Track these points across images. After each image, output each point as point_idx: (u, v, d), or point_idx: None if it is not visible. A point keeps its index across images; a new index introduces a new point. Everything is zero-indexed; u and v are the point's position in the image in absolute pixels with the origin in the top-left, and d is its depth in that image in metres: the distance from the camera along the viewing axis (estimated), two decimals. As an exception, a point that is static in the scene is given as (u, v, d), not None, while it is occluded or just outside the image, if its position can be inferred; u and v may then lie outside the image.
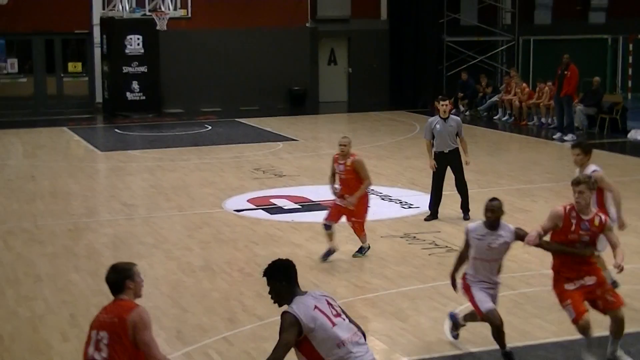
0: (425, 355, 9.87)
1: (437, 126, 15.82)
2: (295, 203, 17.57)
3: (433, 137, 15.91)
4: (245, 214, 16.83)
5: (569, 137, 25.24)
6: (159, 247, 14.51)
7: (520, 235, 9.51)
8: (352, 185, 13.26)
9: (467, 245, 9.67)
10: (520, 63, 35.52)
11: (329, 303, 6.89)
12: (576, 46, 33.50)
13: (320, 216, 16.35)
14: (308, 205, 17.41)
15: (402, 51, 34.74)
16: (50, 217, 16.80)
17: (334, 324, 6.78)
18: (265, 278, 6.92)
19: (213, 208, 17.38)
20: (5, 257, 14.04)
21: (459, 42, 34.82)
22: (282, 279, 6.88)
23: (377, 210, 16.90)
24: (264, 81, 33.68)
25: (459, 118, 16.27)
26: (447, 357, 9.85)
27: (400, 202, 17.54)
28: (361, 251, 13.65)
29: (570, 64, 25.40)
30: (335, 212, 13.47)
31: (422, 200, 17.49)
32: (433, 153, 15.95)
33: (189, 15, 32.25)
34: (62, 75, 33.40)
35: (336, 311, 6.90)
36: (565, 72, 25.37)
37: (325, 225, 13.49)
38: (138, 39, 31.62)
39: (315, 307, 6.77)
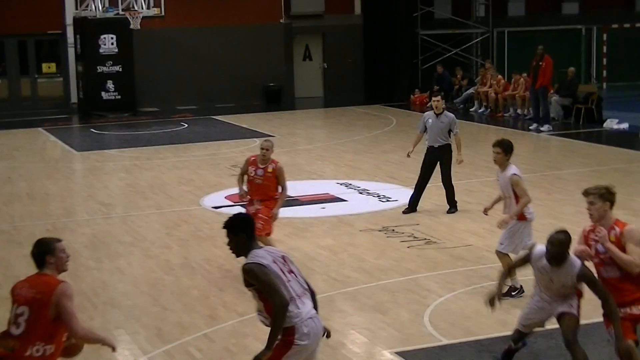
0: (407, 347, 9.88)
1: (430, 121, 15.98)
2: (274, 199, 17.52)
3: (426, 131, 16.00)
4: (224, 211, 16.80)
5: (545, 127, 25.34)
6: (137, 246, 14.47)
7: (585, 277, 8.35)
8: (267, 192, 12.60)
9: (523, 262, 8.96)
10: (495, 55, 35.65)
11: (284, 259, 7.32)
12: (550, 37, 33.68)
13: (299, 211, 16.45)
14: (286, 201, 17.33)
15: (376, 46, 34.75)
16: (29, 218, 16.72)
17: (288, 280, 7.19)
18: (225, 230, 7.29)
19: (191, 206, 17.35)
20: (-18, 259, 13.96)
21: (433, 35, 34.88)
22: (242, 231, 7.25)
23: (355, 204, 16.96)
24: (240, 78, 33.64)
25: (452, 115, 16.28)
26: (428, 349, 9.86)
27: (379, 196, 17.56)
28: None
29: (545, 55, 25.48)
30: None
31: (400, 194, 17.53)
32: (427, 147, 16.10)
33: (163, 14, 32.09)
34: (36, 76, 33.26)
35: (289, 267, 7.31)
36: (540, 63, 25.45)
37: None
38: (112, 38, 31.51)
39: (273, 260, 7.20)
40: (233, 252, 7.35)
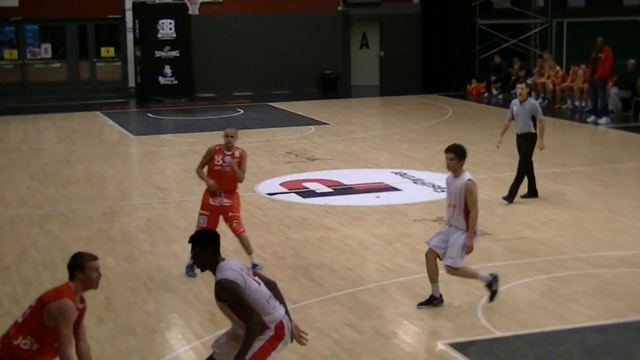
0: (460, 338, 9.86)
1: (514, 108, 16.14)
2: (328, 187, 17.58)
3: (514, 119, 16.22)
4: (278, 198, 16.86)
5: (603, 120, 25.08)
6: (192, 231, 14.44)
7: None
8: (231, 181, 12.22)
9: None
10: (554, 46, 35.26)
11: (246, 267, 7.58)
12: (610, 28, 33.18)
13: (354, 200, 16.45)
14: (340, 189, 17.41)
15: (434, 35, 34.60)
16: (85, 201, 16.91)
17: (258, 283, 7.45)
18: (192, 244, 7.48)
19: (246, 192, 17.37)
20: (41, 241, 14.14)
21: (492, 25, 34.60)
22: (207, 245, 7.42)
23: (410, 194, 16.93)
24: (296, 65, 33.68)
25: (535, 102, 16.32)
26: (481, 341, 9.82)
27: (433, 186, 17.49)
28: (256, 267, 11.90)
29: (604, 46, 25.20)
30: (213, 218, 12.21)
31: (455, 184, 17.44)
32: (515, 135, 16.23)
33: (221, 0, 32.24)
34: (95, 60, 33.55)
35: (253, 272, 7.59)
36: (600, 55, 25.17)
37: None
38: (170, 23, 31.70)
39: (241, 269, 7.42)
40: (198, 267, 7.53)
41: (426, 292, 11.24)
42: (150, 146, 23.00)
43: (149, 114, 29.08)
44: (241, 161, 12.25)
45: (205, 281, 11.98)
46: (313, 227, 14.53)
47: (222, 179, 12.18)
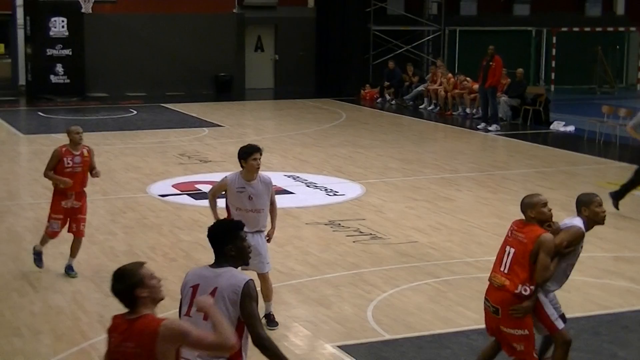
0: (349, 341, 9.92)
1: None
2: (221, 189, 17.50)
3: None
4: (170, 199, 16.75)
5: (493, 127, 25.53)
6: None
7: None
8: (81, 182, 12.08)
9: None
10: (446, 53, 35.83)
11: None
12: (501, 38, 33.89)
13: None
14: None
15: (328, 39, 34.81)
16: (-29, 200, 16.54)
17: None
18: (226, 241, 6.48)
19: (137, 193, 17.26)
20: None
21: (386, 31, 34.99)
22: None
23: (302, 197, 16.98)
24: (190, 67, 33.51)
25: None
26: (370, 344, 9.91)
27: (326, 190, 17.58)
28: (70, 270, 12.09)
29: (495, 55, 25.66)
30: (64, 221, 12.10)
31: (347, 188, 17.59)
32: None
33: (115, -1, 31.93)
34: (-16, 56, 32.87)
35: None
36: (490, 63, 25.61)
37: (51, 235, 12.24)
38: (62, 21, 31.22)
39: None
40: (246, 262, 6.57)
41: (316, 296, 11.30)
42: (40, 145, 22.58)
43: (39, 113, 28.57)
44: (90, 159, 12.19)
45: (95, 282, 11.83)
46: (205, 229, 14.31)
47: (77, 178, 12.04)
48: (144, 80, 33.12)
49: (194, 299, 6.17)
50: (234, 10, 34.39)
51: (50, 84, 31.32)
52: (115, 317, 5.57)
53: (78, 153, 12.08)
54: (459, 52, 35.90)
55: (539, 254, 7.94)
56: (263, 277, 10.02)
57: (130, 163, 20.16)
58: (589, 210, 8.19)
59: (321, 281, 12.00)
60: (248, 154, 9.85)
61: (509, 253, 8.11)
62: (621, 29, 38.42)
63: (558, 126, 25.90)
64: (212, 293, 6.13)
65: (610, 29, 37.92)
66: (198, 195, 16.98)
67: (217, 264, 6.38)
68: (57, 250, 13.25)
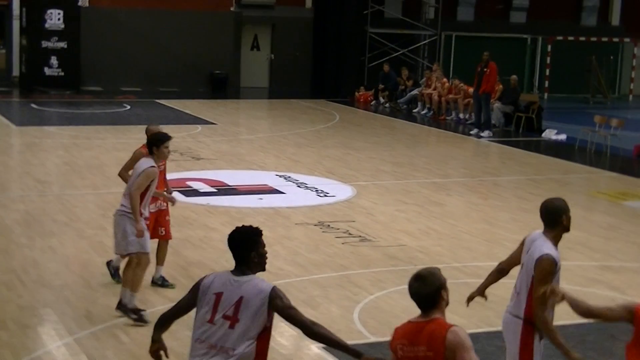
0: (334, 342, 9.92)
1: None
2: (212, 187, 17.53)
3: None
4: (161, 196, 16.72)
5: (485, 133, 25.56)
6: (71, 226, 14.35)
7: None
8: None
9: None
10: (442, 58, 35.87)
11: None
12: (497, 44, 33.99)
13: (236, 201, 16.44)
14: (224, 190, 17.38)
15: (325, 40, 34.84)
16: (-39, 190, 16.52)
17: None
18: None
19: (128, 188, 17.21)
20: None
21: (382, 34, 35.03)
22: None
23: (293, 197, 16.99)
24: (186, 64, 33.50)
25: None
26: (355, 346, 9.89)
27: (317, 191, 17.60)
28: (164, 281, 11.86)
29: (490, 61, 25.69)
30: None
31: (338, 190, 17.61)
32: None
33: (112, -8, 31.92)
34: (-22, 47, 32.87)
35: None
36: (485, 70, 25.63)
37: None
38: (59, 13, 31.19)
39: None
40: (264, 268, 6.54)
41: (304, 296, 11.31)
42: (32, 137, 22.57)
43: (32, 105, 28.54)
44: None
45: (83, 277, 11.83)
46: (195, 227, 14.47)
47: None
48: (139, 76, 33.09)
49: (218, 307, 6.18)
50: (232, 9, 34.40)
51: (44, 76, 31.29)
52: (400, 327, 5.81)
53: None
54: (455, 58, 35.99)
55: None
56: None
57: (122, 158, 19.97)
58: (567, 217, 7.18)
59: (309, 282, 12.02)
60: (161, 142, 10.60)
61: None
62: (616, 39, 38.53)
63: (550, 134, 25.95)
64: (238, 302, 6.16)
65: (605, 39, 38.02)
66: (189, 192, 16.97)
67: (240, 270, 6.32)
68: (47, 244, 13.26)
